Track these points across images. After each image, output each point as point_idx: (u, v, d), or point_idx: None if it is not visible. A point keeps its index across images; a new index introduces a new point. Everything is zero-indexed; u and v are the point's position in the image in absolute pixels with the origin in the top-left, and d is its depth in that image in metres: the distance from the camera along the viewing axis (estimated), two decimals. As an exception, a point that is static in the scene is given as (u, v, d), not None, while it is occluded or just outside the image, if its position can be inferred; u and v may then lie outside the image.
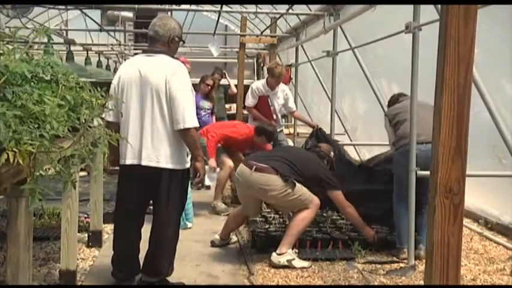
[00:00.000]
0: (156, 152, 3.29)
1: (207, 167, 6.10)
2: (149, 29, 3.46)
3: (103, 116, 3.23)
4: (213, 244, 4.67)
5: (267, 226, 4.96)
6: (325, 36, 6.91)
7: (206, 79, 7.39)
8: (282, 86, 6.72)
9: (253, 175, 4.15)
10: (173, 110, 3.24)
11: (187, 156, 3.48)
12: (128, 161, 3.35)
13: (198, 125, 3.34)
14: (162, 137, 3.29)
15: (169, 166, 3.33)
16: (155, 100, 3.28)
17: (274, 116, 6.56)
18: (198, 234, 5.02)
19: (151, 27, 3.44)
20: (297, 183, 4.14)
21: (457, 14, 2.04)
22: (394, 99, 4.85)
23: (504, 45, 4.73)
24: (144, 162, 3.31)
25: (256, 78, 12.89)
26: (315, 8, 7.51)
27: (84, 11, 8.51)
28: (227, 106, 11.40)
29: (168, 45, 3.42)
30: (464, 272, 4.10)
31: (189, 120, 3.24)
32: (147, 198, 3.52)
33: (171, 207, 3.43)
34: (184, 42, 3.67)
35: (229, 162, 6.06)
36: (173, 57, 3.46)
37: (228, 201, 6.30)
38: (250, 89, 6.69)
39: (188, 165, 3.49)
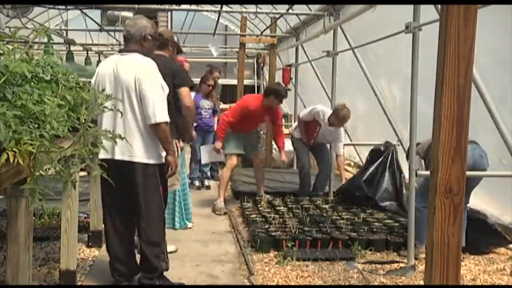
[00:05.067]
0: (129, 147, 3.33)
1: (208, 146, 6.15)
2: (123, 30, 3.53)
3: None
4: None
5: (267, 226, 4.97)
6: (325, 36, 6.91)
7: (207, 79, 7.38)
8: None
9: None
10: (144, 106, 3.29)
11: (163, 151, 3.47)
12: (102, 155, 3.36)
13: (168, 120, 3.36)
14: (133, 133, 3.33)
15: (143, 160, 3.36)
16: (126, 97, 3.32)
17: (312, 141, 6.54)
18: (198, 234, 5.03)
19: (124, 28, 3.52)
20: None
21: (457, 14, 2.04)
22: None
23: (504, 46, 4.74)
24: (117, 157, 3.35)
25: (256, 78, 12.90)
26: (315, 8, 7.51)
27: (84, 11, 8.51)
28: (227, 106, 11.40)
29: (141, 43, 3.47)
30: (464, 272, 4.10)
31: (159, 115, 3.28)
32: (128, 194, 3.47)
33: (150, 202, 3.44)
34: (158, 40, 3.68)
35: (233, 161, 6.10)
36: (149, 55, 3.48)
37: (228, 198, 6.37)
38: (314, 108, 6.40)
39: (164, 159, 3.48)
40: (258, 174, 6.38)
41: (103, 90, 3.18)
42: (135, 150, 3.33)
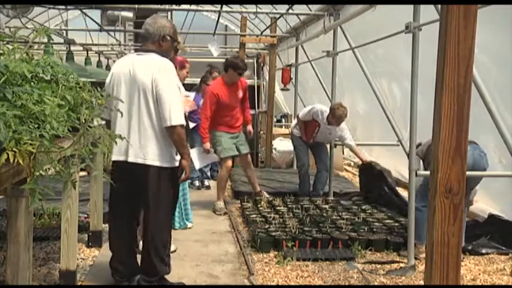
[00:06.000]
0: (143, 150, 3.29)
1: (197, 150, 6.07)
2: (142, 28, 3.49)
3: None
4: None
5: (267, 226, 4.97)
6: (325, 36, 6.91)
7: (207, 79, 7.39)
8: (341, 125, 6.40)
9: None
10: (160, 108, 3.25)
11: (177, 154, 3.44)
12: (114, 157, 3.34)
13: (184, 123, 3.32)
14: (148, 135, 3.30)
15: (157, 164, 3.32)
16: (142, 98, 3.29)
17: (311, 141, 6.56)
18: (198, 234, 5.03)
19: (143, 26, 3.47)
20: None
21: (457, 14, 2.04)
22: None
23: (504, 46, 4.74)
24: (130, 159, 3.32)
25: (256, 78, 12.90)
26: (315, 8, 7.51)
27: (84, 11, 8.51)
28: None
29: (159, 43, 3.42)
30: (464, 272, 4.10)
31: (175, 118, 3.24)
32: (137, 196, 3.47)
33: (160, 205, 3.42)
34: (178, 42, 3.65)
35: (229, 163, 6.08)
36: (167, 56, 3.44)
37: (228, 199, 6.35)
38: (313, 108, 6.46)
39: (177, 163, 3.44)
40: (248, 171, 6.34)
41: (106, 93, 3.17)
42: (149, 153, 3.30)
